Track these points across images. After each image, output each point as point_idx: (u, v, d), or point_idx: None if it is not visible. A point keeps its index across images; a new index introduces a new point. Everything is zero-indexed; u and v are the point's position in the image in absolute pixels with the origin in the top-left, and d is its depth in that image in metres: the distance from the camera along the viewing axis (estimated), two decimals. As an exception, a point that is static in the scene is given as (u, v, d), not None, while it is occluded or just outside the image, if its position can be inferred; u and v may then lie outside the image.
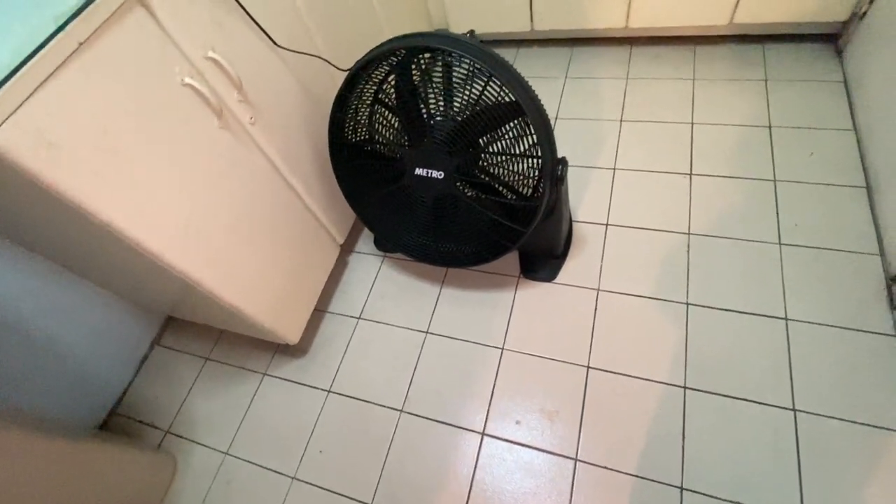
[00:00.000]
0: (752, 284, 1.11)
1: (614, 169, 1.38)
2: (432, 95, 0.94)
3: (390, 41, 0.91)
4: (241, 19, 0.87)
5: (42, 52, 0.59)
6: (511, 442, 1.03)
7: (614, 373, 1.07)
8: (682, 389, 1.02)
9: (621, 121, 1.48)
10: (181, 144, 0.80)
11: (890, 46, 1.17)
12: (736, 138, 1.35)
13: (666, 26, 1.53)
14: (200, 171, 0.84)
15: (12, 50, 0.60)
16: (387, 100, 1.02)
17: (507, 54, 1.78)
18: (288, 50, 0.98)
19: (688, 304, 1.12)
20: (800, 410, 0.95)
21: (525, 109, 0.86)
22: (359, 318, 1.29)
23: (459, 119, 0.93)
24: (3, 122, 0.56)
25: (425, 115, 0.97)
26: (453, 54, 0.85)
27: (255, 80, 0.93)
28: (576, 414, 1.04)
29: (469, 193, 1.03)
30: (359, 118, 1.04)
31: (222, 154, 0.88)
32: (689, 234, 1.22)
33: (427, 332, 1.22)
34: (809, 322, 1.04)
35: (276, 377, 1.24)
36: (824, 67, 1.42)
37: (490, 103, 0.89)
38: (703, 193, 1.27)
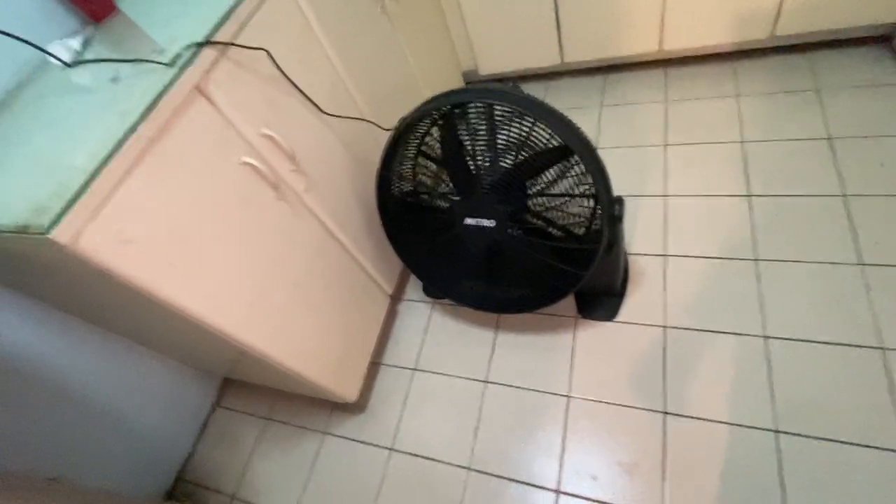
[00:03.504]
0: (835, 311, 1.03)
1: (665, 196, 1.33)
2: (479, 146, 0.94)
3: (434, 99, 0.91)
4: (291, 93, 0.90)
5: (118, 154, 0.62)
6: (590, 500, 0.97)
7: (694, 418, 0.99)
8: (774, 434, 0.93)
9: (665, 145, 1.44)
10: (243, 222, 0.82)
11: (958, 45, 1.09)
12: (793, 154, 1.28)
13: (702, 45, 1.49)
14: (262, 245, 0.86)
15: (89, 153, 0.63)
16: (431, 153, 1.02)
17: (536, 88, 1.78)
18: (335, 116, 1.00)
19: (765, 336, 1.04)
20: (915, 453, 0.86)
21: (578, 154, 0.84)
22: (414, 369, 1.27)
23: (508, 167, 0.92)
24: (86, 227, 0.59)
25: (472, 167, 0.96)
26: (496, 106, 0.85)
27: (306, 150, 0.95)
28: (657, 466, 0.97)
29: (522, 238, 1.01)
30: (405, 174, 1.05)
31: (280, 225, 0.90)
32: (756, 260, 1.15)
33: (486, 382, 1.18)
34: (910, 351, 0.94)
35: (336, 436, 1.23)
36: (881, 70, 1.34)
37: (539, 149, 0.88)
38: (766, 216, 1.20)
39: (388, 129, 1.03)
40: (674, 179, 1.36)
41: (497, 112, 0.87)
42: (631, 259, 1.26)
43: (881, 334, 0.97)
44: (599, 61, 1.66)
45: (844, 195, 1.17)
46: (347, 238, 1.10)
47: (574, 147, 0.84)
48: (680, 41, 1.48)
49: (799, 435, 0.92)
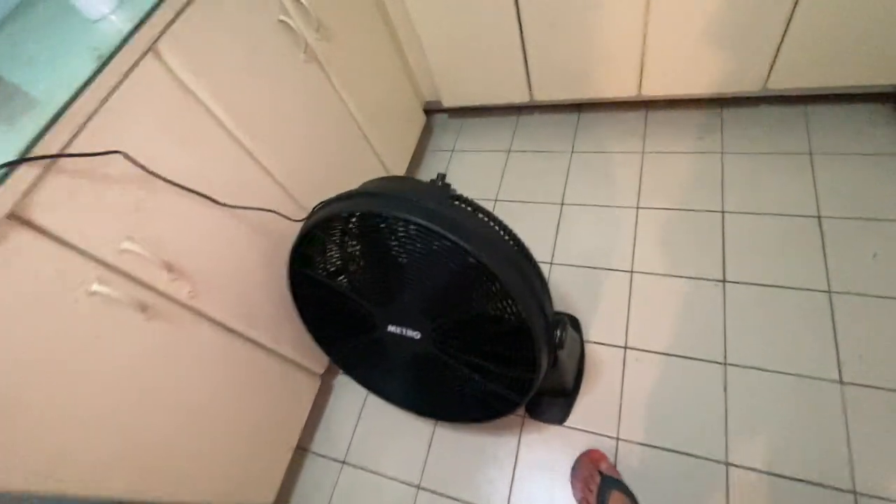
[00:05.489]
0: (809, 442, 0.90)
1: (631, 272, 1.19)
2: (399, 252, 0.79)
3: (336, 199, 0.76)
4: (169, 189, 0.74)
5: None
6: None
7: (640, 560, 0.88)
8: (726, 591, 0.82)
9: (638, 208, 1.29)
10: (98, 361, 0.67)
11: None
12: (778, 233, 1.14)
13: (685, 93, 1.33)
14: (127, 380, 0.72)
15: None
16: (350, 252, 0.87)
17: (505, 123, 1.62)
18: (233, 207, 0.85)
19: (727, 464, 0.92)
20: None
21: (501, 279, 0.69)
22: (343, 462, 1.14)
23: (429, 283, 0.77)
24: None
25: (391, 275, 0.81)
26: (411, 224, 0.69)
27: (192, 250, 0.79)
28: None
29: (453, 354, 0.87)
30: (327, 266, 0.90)
31: (154, 347, 0.75)
32: (725, 364, 1.01)
33: (419, 488, 1.06)
34: (885, 500, 0.82)
35: (254, 535, 1.11)
36: (884, 135, 1.19)
37: (458, 267, 0.73)
38: (741, 308, 1.07)
39: (298, 221, 0.88)
40: (643, 252, 1.21)
41: (412, 227, 0.72)
42: (589, 348, 1.12)
43: (854, 476, 0.85)
44: (573, 100, 1.49)
45: (829, 291, 1.03)
46: (258, 331, 0.96)
47: (495, 270, 0.69)
48: (661, 88, 1.31)
49: None
